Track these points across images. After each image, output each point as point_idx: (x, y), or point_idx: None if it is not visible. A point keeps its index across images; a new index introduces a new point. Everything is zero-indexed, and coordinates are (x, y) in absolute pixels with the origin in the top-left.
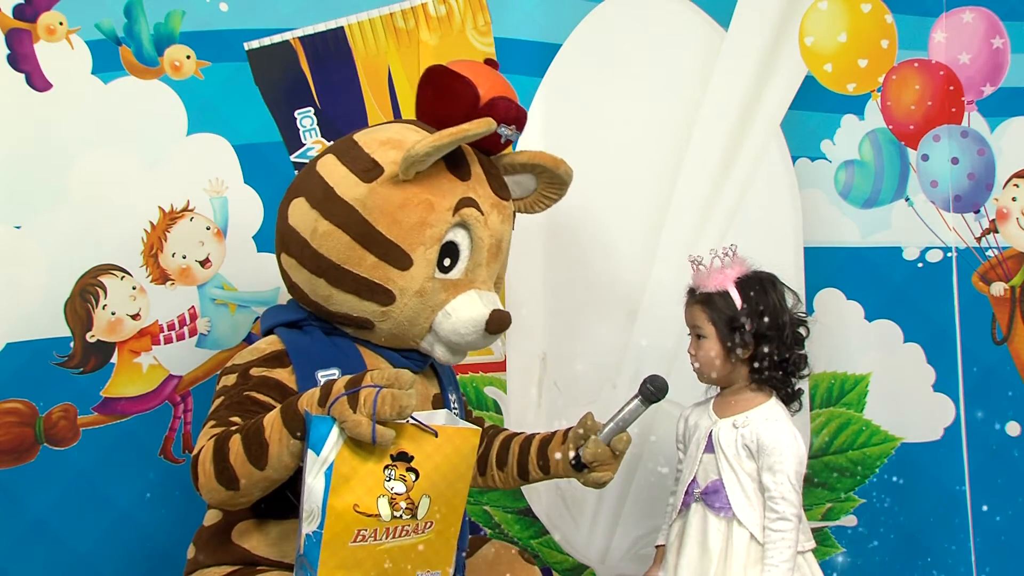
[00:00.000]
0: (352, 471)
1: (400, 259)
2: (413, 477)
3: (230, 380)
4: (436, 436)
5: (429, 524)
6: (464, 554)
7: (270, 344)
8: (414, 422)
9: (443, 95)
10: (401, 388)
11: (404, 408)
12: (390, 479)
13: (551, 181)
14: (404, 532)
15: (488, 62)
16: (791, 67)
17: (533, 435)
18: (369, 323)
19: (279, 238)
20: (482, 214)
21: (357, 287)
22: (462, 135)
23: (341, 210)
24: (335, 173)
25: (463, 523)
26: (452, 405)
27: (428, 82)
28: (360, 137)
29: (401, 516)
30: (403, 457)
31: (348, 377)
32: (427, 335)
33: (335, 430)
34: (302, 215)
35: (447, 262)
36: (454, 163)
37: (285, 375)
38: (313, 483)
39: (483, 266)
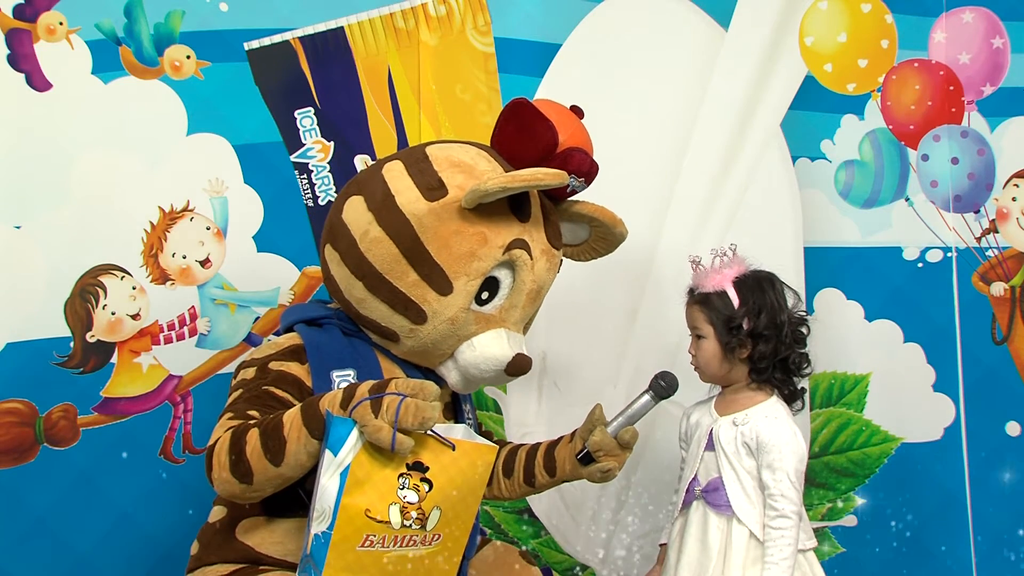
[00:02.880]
0: (367, 476)
1: (442, 284)
2: (427, 488)
3: (249, 373)
4: (454, 449)
5: (437, 537)
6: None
7: (289, 339)
8: (432, 434)
9: (523, 132)
10: (425, 399)
11: (427, 419)
12: (404, 487)
13: (604, 236)
14: (411, 542)
15: (573, 109)
16: (791, 67)
17: (539, 443)
18: (395, 336)
19: (328, 228)
20: (531, 259)
21: (393, 300)
22: (535, 183)
23: (396, 221)
24: (399, 182)
25: (472, 535)
26: (467, 416)
27: (512, 115)
28: (432, 151)
29: (411, 525)
30: (419, 467)
31: (372, 382)
32: (447, 360)
33: (355, 433)
34: (357, 214)
35: (485, 295)
36: (517, 202)
37: (302, 372)
38: (327, 483)
39: (519, 308)
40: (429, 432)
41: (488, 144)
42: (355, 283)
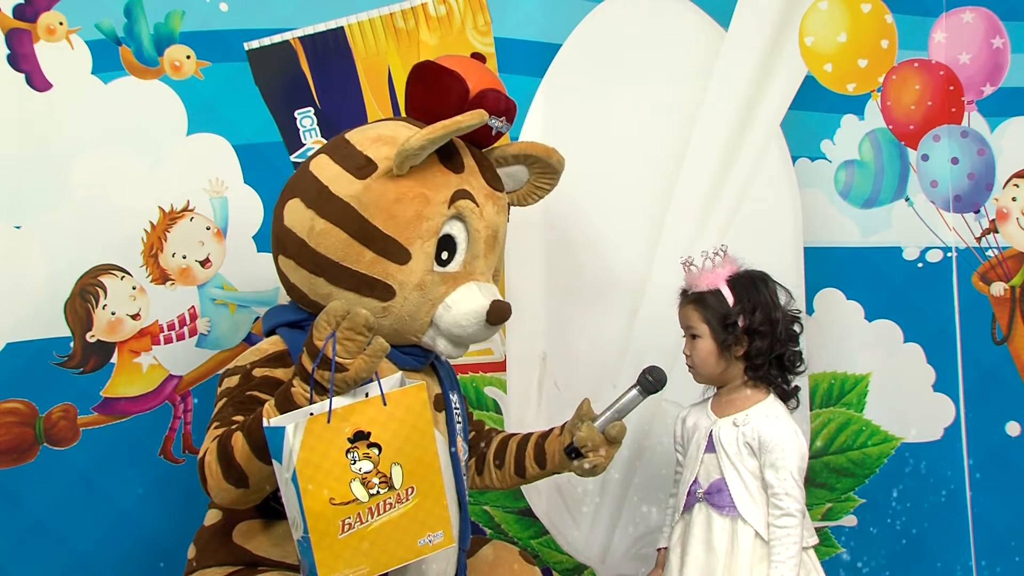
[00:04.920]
0: (316, 469)
1: (398, 254)
2: (376, 452)
3: (232, 381)
4: (385, 405)
5: (411, 490)
6: (465, 553)
7: (272, 344)
8: (370, 392)
9: (432, 90)
10: (345, 316)
11: (366, 322)
12: (355, 461)
13: (543, 171)
14: (388, 506)
15: (475, 55)
16: (791, 67)
17: (531, 433)
18: None
19: (275, 240)
20: (477, 205)
21: (357, 284)
22: (455, 127)
23: (337, 208)
24: (328, 171)
25: (464, 519)
26: (454, 405)
27: (417, 78)
28: (352, 136)
29: (378, 492)
30: (360, 436)
31: (305, 355)
32: (428, 329)
33: (288, 435)
34: (298, 215)
35: (445, 255)
36: (447, 156)
37: (287, 376)
38: (286, 491)
39: (481, 258)
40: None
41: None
42: (316, 281)
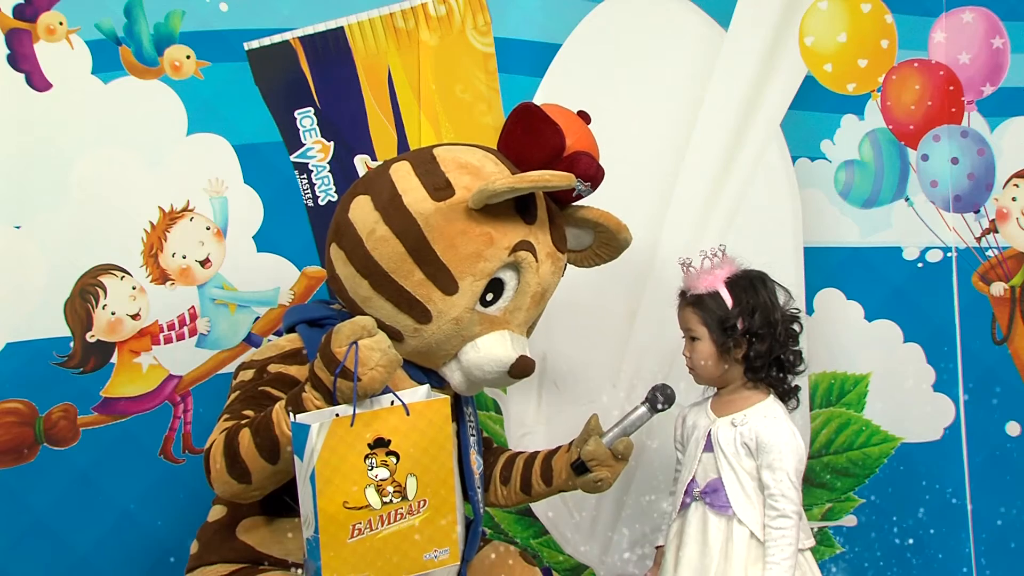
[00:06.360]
0: (334, 471)
1: (447, 284)
2: (394, 460)
3: (247, 375)
4: (408, 415)
5: (423, 503)
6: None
7: (290, 342)
8: (393, 394)
9: (530, 135)
10: (366, 328)
11: (388, 345)
12: (372, 468)
13: (608, 243)
14: (399, 516)
15: (580, 114)
16: (791, 67)
17: (537, 452)
18: (399, 335)
19: (334, 227)
20: (536, 261)
21: (398, 298)
22: (542, 184)
23: (403, 220)
24: (406, 181)
25: (475, 532)
26: (468, 418)
27: (519, 118)
28: (439, 153)
29: (391, 500)
30: (381, 443)
31: (319, 362)
32: (451, 361)
33: (312, 434)
34: (363, 213)
35: (489, 296)
36: (523, 204)
37: (302, 374)
38: (303, 489)
39: (523, 310)
40: (387, 396)
41: (495, 147)
42: (360, 282)
